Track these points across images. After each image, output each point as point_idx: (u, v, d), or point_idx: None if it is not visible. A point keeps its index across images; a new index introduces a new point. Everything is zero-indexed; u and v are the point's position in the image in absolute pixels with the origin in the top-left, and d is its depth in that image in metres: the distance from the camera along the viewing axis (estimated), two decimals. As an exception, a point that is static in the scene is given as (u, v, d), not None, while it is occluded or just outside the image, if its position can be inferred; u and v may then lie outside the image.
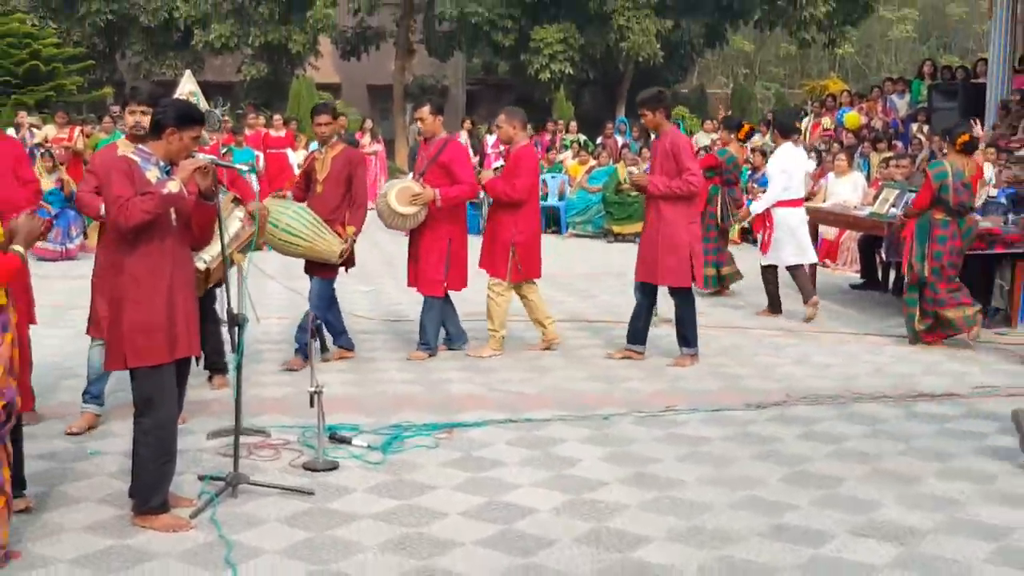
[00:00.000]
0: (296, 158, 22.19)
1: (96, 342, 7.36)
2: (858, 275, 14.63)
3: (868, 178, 16.81)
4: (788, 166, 12.08)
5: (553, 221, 21.01)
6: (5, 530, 5.20)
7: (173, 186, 5.66)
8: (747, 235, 17.79)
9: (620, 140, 24.15)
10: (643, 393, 8.79)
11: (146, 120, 6.97)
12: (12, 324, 5.24)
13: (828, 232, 15.98)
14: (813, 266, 12.75)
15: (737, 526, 5.91)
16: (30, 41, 26.71)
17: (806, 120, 23.60)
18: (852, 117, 21.40)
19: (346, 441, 7.20)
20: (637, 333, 9.94)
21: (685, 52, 35.77)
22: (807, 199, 13.99)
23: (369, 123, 26.07)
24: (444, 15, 31.98)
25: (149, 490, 5.79)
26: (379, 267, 15.75)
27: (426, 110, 9.84)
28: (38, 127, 20.79)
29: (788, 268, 12.20)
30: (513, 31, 31.70)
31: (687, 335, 9.83)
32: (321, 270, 9.37)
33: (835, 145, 19.29)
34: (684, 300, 9.77)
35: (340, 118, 9.47)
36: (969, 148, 10.98)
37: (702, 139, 23.82)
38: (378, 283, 14.33)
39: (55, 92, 26.16)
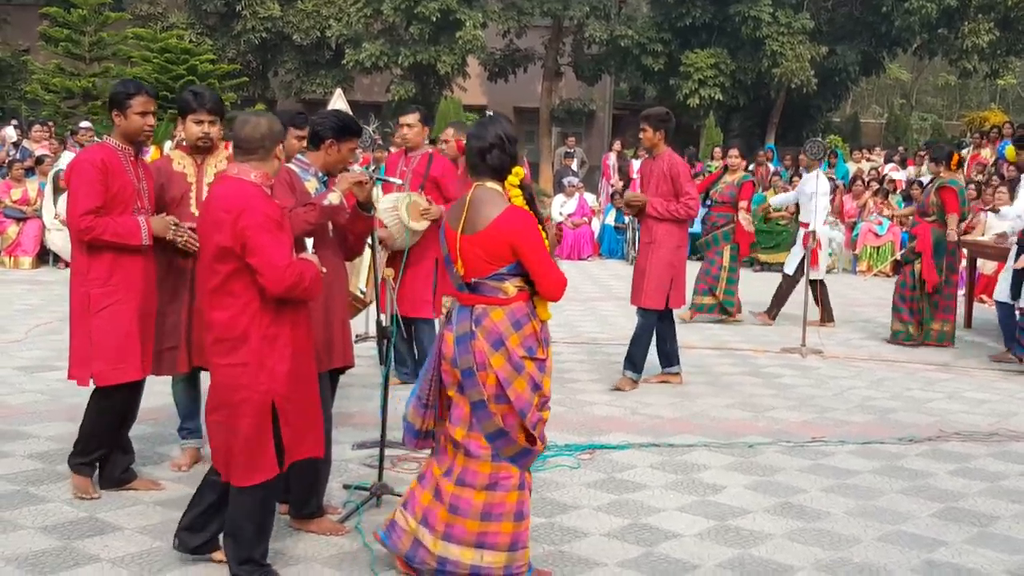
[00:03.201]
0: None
1: (179, 377, 6.93)
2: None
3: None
4: (817, 189, 13.31)
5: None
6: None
7: (334, 198, 5.75)
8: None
9: (771, 168, 23.94)
10: (789, 423, 8.73)
11: (214, 130, 6.62)
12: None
13: (986, 267, 15.61)
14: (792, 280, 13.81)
15: (885, 561, 5.83)
16: (187, 57, 27.33)
17: (965, 151, 23.17)
18: (1014, 150, 20.90)
19: (489, 458, 7.24)
20: (665, 355, 9.90)
21: (839, 79, 35.19)
22: (964, 233, 13.99)
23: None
24: (594, 38, 31.99)
25: (304, 495, 5.93)
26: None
27: (415, 117, 9.13)
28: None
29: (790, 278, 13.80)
30: (663, 55, 31.59)
31: (635, 357, 9.66)
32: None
33: (995, 178, 18.88)
34: (647, 320, 9.58)
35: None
36: (960, 166, 12.46)
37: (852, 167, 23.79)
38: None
39: (210, 108, 26.80)
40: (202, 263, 5.08)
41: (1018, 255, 11.26)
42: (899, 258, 12.60)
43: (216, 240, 4.89)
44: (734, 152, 14.05)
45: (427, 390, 5.29)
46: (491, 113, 5.52)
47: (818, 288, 13.49)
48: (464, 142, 5.40)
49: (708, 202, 13.96)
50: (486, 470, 5.09)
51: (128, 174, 6.13)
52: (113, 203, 6.04)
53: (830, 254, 19.24)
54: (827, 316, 13.67)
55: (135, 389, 6.39)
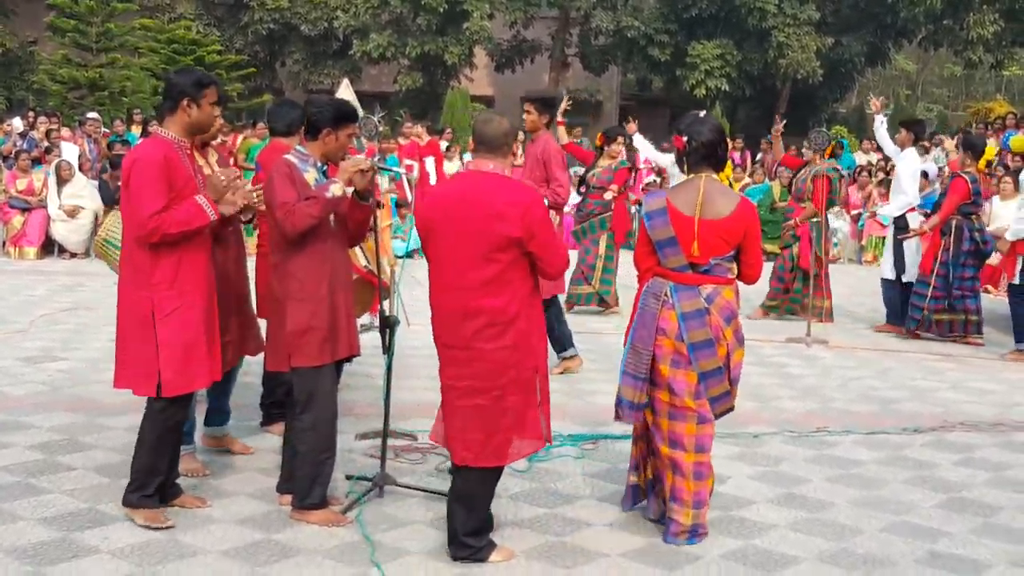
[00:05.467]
0: (450, 168, 22.23)
1: None
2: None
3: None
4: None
5: (705, 238, 20.84)
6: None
7: (336, 189, 5.67)
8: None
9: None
10: (794, 412, 8.67)
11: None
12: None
13: (991, 258, 15.48)
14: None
15: (889, 551, 5.79)
16: (195, 48, 27.38)
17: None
18: (1018, 140, 20.80)
19: (492, 448, 7.18)
20: (558, 340, 9.63)
21: (845, 70, 35.22)
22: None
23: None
24: (600, 29, 31.95)
25: (307, 486, 5.86)
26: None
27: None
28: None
29: None
30: (670, 46, 31.59)
31: (554, 341, 9.51)
32: None
33: (999, 168, 18.79)
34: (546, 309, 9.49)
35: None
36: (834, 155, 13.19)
37: (861, 159, 23.73)
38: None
39: (217, 99, 26.78)
40: (469, 257, 5.19)
41: (896, 233, 12.36)
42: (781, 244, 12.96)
43: (500, 231, 5.09)
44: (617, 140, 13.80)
45: (641, 366, 5.69)
46: (703, 112, 5.98)
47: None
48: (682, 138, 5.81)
49: (583, 188, 13.57)
50: (710, 431, 5.76)
51: (187, 169, 5.75)
52: (175, 202, 5.59)
53: (836, 245, 19.19)
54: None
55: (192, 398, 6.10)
